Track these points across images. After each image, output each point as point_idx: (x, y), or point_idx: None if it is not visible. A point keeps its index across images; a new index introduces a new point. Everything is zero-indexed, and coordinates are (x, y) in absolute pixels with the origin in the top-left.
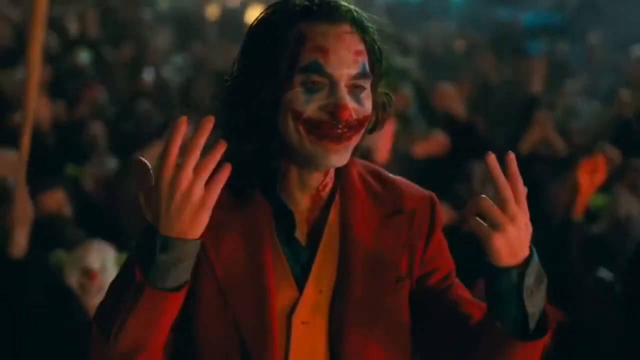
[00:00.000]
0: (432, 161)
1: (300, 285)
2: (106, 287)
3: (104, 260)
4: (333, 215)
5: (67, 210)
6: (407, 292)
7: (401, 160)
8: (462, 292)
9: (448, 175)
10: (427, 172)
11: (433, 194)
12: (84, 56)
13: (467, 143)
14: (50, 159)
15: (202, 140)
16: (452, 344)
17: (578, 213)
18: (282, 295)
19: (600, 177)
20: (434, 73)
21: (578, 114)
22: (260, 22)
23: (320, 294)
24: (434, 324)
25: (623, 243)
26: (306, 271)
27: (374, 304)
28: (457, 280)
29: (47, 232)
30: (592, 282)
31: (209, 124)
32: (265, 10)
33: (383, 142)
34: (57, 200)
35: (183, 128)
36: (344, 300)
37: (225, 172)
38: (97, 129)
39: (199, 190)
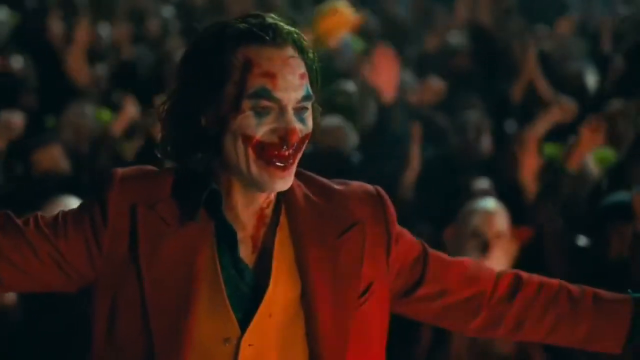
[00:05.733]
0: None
1: (245, 307)
2: None
3: None
4: (280, 237)
5: (65, 165)
6: (378, 299)
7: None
8: (443, 265)
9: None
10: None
11: (379, 189)
12: None
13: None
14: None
15: None
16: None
17: (572, 165)
18: (212, 319)
19: (601, 139)
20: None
21: (571, 56)
22: (198, 45)
23: (269, 318)
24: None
25: (578, 190)
26: (255, 292)
27: (341, 322)
28: (429, 252)
29: (44, 190)
30: (571, 250)
31: None
32: (201, 34)
33: (387, 82)
34: (53, 156)
35: None
36: (312, 326)
37: None
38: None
39: None
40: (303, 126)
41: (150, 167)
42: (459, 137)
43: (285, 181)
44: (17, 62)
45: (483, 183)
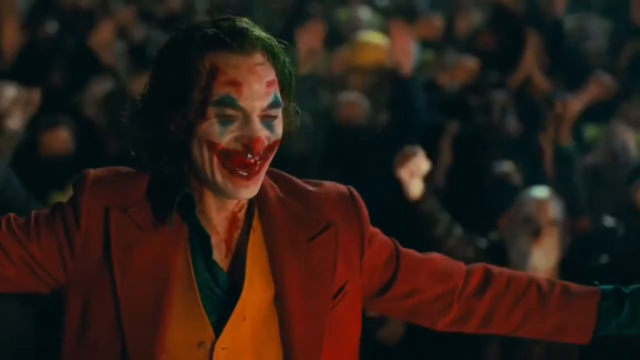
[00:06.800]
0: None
1: (219, 311)
2: None
3: None
4: (253, 241)
5: (71, 148)
6: (352, 300)
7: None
8: (415, 264)
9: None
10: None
11: (351, 189)
12: None
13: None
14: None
15: None
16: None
17: (564, 140)
18: (187, 323)
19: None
20: None
21: (592, 34)
22: (169, 48)
23: (243, 321)
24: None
25: (619, 174)
26: (229, 296)
27: (315, 323)
28: (400, 251)
29: (51, 172)
30: (598, 232)
31: None
32: (173, 36)
33: (403, 55)
34: (61, 138)
35: None
36: (286, 328)
37: None
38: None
39: None
40: (271, 133)
41: (124, 168)
42: (484, 117)
43: (250, 190)
44: (51, 27)
45: (506, 166)
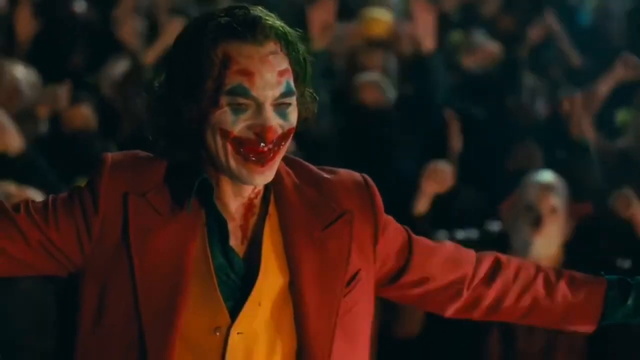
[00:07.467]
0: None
1: (235, 296)
2: None
3: None
4: (269, 227)
5: (94, 124)
6: (365, 287)
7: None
8: (427, 252)
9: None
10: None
11: (366, 177)
12: None
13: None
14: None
15: None
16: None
17: (576, 131)
18: (203, 308)
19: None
20: None
21: (611, 15)
22: (183, 36)
23: (259, 306)
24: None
25: None
26: (245, 281)
27: (329, 309)
28: (413, 239)
29: (74, 149)
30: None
31: None
32: (187, 25)
33: (425, 30)
34: (83, 115)
35: None
36: (300, 313)
37: None
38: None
39: None
40: (284, 122)
41: (142, 153)
42: (514, 99)
43: (265, 176)
44: (80, 6)
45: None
